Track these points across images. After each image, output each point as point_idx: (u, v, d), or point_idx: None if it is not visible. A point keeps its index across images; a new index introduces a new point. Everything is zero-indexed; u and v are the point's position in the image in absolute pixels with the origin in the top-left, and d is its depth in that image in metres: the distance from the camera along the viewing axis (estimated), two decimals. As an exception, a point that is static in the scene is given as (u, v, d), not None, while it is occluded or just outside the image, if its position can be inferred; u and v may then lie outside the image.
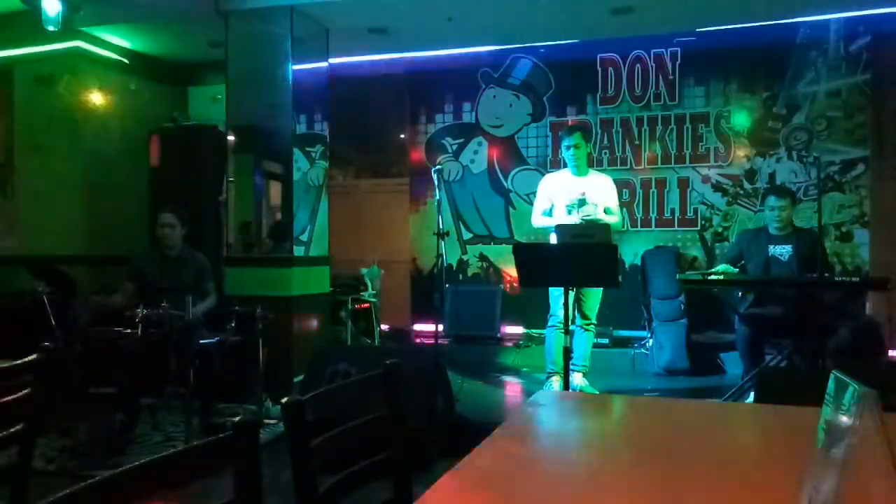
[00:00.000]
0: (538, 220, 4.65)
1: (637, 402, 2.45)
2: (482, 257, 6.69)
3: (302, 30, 5.19)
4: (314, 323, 5.21)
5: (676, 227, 6.14)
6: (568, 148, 4.53)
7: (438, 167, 5.06)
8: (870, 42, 5.66)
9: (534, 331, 6.19)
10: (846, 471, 0.81)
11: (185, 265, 4.32)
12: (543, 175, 6.11)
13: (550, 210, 4.59)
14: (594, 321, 4.59)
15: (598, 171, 4.97)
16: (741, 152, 6.00)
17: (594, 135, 6.26)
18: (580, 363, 4.61)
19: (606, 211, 4.48)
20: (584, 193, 4.45)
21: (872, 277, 4.99)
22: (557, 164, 6.27)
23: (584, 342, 4.59)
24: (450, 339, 6.12)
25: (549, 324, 4.58)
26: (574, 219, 4.41)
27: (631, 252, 6.15)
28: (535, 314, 5.85)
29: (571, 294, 4.32)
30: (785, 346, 4.04)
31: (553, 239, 4.54)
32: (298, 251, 5.21)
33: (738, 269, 4.19)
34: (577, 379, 4.59)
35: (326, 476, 1.33)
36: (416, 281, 6.78)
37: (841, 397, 0.87)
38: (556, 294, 4.50)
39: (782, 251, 4.18)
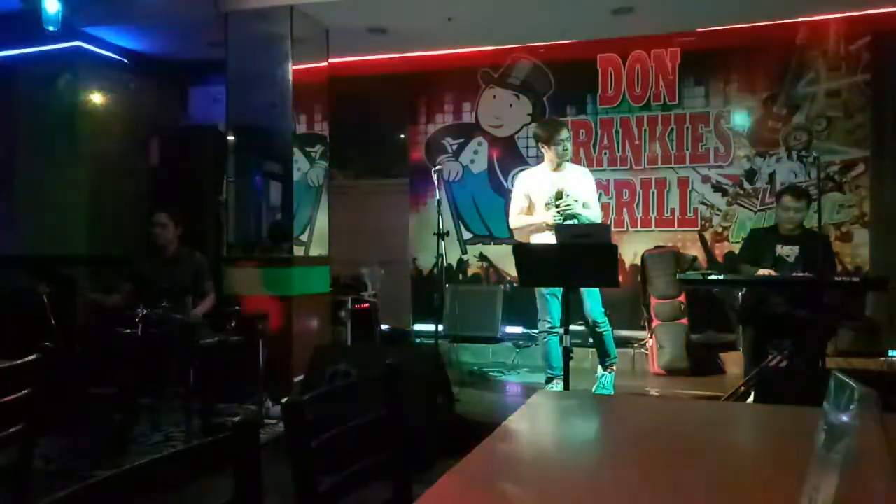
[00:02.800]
0: (516, 220, 4.59)
1: (637, 402, 2.45)
2: (482, 257, 6.69)
3: (302, 30, 5.19)
4: (314, 323, 5.21)
5: (676, 227, 6.14)
6: (561, 142, 4.49)
7: (438, 167, 5.05)
8: (870, 42, 5.66)
9: (534, 331, 6.18)
10: (846, 471, 0.81)
11: (183, 265, 4.33)
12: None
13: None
14: (605, 320, 4.54)
15: (577, 167, 4.95)
16: (741, 152, 6.00)
17: (594, 135, 6.28)
18: (612, 357, 4.58)
19: (584, 205, 4.42)
20: (561, 188, 4.41)
21: (872, 277, 4.99)
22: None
23: (606, 339, 4.55)
24: (450, 339, 6.12)
25: (542, 329, 4.55)
26: (552, 214, 4.38)
27: (631, 252, 6.15)
28: (535, 314, 5.85)
29: (558, 300, 4.33)
30: (786, 347, 4.04)
31: (533, 240, 4.52)
32: (298, 251, 5.21)
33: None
34: (609, 373, 4.57)
35: (326, 476, 1.33)
36: (416, 281, 6.78)
37: (841, 397, 0.87)
38: (547, 298, 4.47)
39: (790, 252, 4.17)
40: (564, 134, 4.51)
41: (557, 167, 4.55)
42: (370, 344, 5.96)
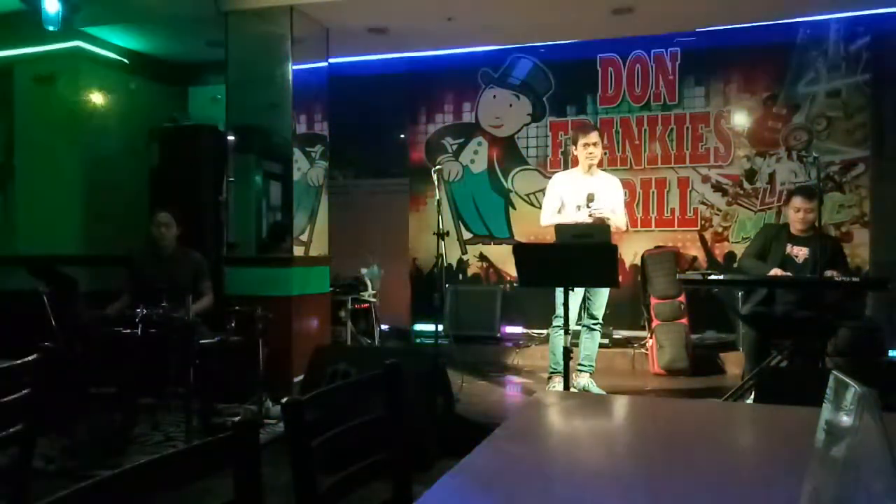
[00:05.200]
0: (549, 219, 4.63)
1: (637, 402, 2.45)
2: (482, 257, 6.69)
3: (302, 30, 5.19)
4: (314, 323, 5.21)
5: (676, 227, 6.14)
6: (586, 146, 4.53)
7: (438, 167, 5.06)
8: (870, 42, 5.66)
9: (534, 331, 6.19)
10: (846, 471, 0.81)
11: (181, 264, 4.33)
12: (544, 175, 6.17)
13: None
14: (601, 321, 4.59)
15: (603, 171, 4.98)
16: (741, 152, 6.00)
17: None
18: (587, 364, 4.60)
19: (611, 211, 4.49)
20: (592, 192, 4.45)
21: (872, 277, 4.99)
22: (557, 164, 6.27)
23: (591, 342, 4.58)
24: (450, 339, 6.12)
25: (554, 324, 4.59)
26: (583, 215, 4.41)
27: (631, 252, 6.15)
28: (535, 314, 5.86)
29: (576, 294, 4.36)
30: (786, 347, 4.04)
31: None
32: (298, 251, 5.21)
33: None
34: (583, 380, 4.59)
35: (326, 476, 1.33)
36: (416, 281, 6.78)
37: (841, 397, 0.87)
38: (561, 294, 4.50)
39: (799, 252, 4.17)
40: (590, 138, 4.54)
41: (588, 171, 4.57)
42: (370, 344, 5.97)
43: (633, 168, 6.23)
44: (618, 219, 4.52)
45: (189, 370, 3.65)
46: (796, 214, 4.18)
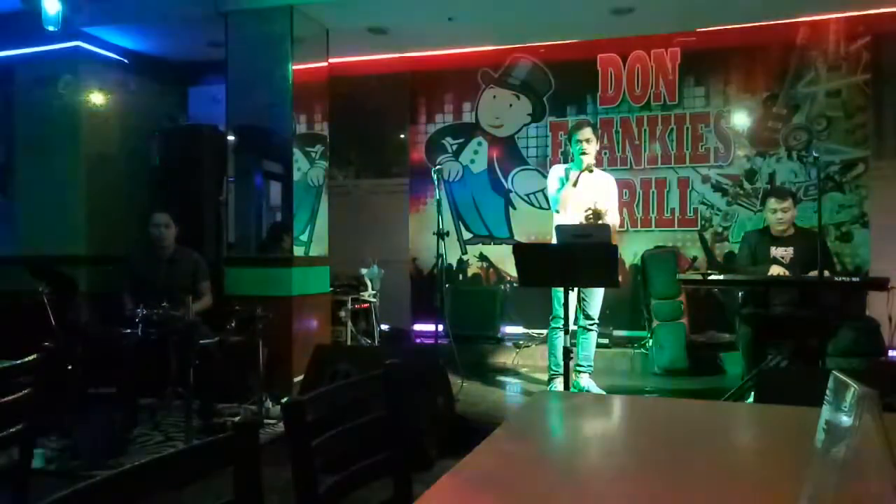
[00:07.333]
0: (555, 193, 4.57)
1: (637, 402, 2.45)
2: (482, 257, 6.69)
3: (302, 30, 5.19)
4: (314, 323, 5.21)
5: (676, 227, 6.14)
6: (578, 142, 4.50)
7: (438, 167, 5.05)
8: (870, 42, 5.66)
9: (534, 331, 6.18)
10: (846, 471, 0.81)
11: (180, 264, 4.34)
12: (543, 175, 6.17)
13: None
14: (597, 321, 4.59)
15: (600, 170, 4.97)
16: (741, 152, 6.00)
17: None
18: (586, 364, 4.61)
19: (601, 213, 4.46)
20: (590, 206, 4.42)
21: (872, 277, 4.99)
22: (557, 163, 6.26)
23: (588, 342, 4.59)
24: (450, 339, 6.12)
25: (553, 325, 4.59)
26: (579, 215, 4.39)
27: (631, 252, 6.14)
28: (535, 314, 5.85)
29: (573, 294, 4.36)
30: (785, 347, 4.04)
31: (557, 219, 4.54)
32: (298, 251, 5.21)
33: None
34: (584, 380, 4.59)
35: (326, 476, 1.33)
36: (416, 281, 6.78)
37: (841, 397, 0.87)
38: (559, 295, 4.50)
39: (784, 253, 4.18)
40: (583, 134, 4.48)
41: (582, 166, 4.49)
42: (370, 344, 5.96)
43: (633, 168, 6.22)
44: (612, 217, 4.50)
45: (189, 370, 3.65)
46: (773, 216, 4.20)
